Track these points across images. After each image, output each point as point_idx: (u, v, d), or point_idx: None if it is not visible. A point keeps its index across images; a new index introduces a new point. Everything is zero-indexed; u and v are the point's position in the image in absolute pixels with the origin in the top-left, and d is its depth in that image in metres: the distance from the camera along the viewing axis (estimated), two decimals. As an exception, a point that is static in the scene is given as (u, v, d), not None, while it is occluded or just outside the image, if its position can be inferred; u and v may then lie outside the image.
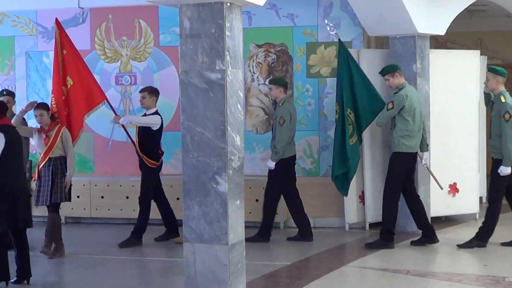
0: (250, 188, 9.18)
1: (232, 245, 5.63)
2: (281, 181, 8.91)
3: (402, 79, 8.70)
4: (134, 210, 9.44)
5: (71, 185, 8.23)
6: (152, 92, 8.97)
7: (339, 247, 8.73)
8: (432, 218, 9.32)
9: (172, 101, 10.29)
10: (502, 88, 8.37)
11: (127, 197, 9.86)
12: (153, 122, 8.82)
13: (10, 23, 10.88)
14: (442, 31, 9.65)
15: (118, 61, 10.58)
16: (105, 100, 8.86)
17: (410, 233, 9.14)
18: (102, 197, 10.01)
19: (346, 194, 9.19)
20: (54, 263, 8.02)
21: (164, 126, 9.06)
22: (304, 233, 8.98)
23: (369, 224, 9.62)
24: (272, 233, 9.01)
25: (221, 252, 5.59)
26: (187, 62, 5.68)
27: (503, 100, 8.26)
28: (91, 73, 8.95)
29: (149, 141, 8.85)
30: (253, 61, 10.16)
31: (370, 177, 9.59)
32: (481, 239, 8.45)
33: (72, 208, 10.16)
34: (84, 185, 10.18)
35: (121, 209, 10.06)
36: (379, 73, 8.89)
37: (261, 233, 8.91)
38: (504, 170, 8.21)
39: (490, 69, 8.55)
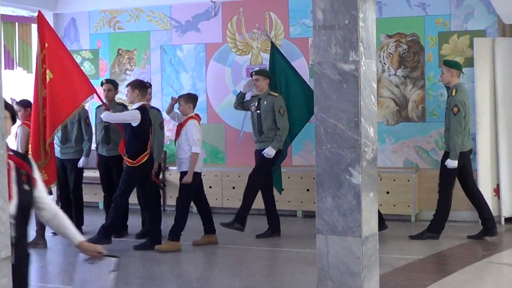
0: (380, 180, 9.05)
1: (366, 237, 5.58)
2: None
3: None
4: (289, 201, 9.59)
5: None
6: (134, 86, 8.42)
7: (474, 242, 8.50)
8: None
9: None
10: (457, 81, 8.43)
11: (283, 189, 9.97)
12: (128, 118, 8.23)
13: (146, 18, 11.24)
14: None
15: (249, 53, 10.71)
16: (94, 94, 8.50)
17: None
18: (234, 187, 10.16)
19: (280, 191, 9.35)
20: (184, 252, 8.23)
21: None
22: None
23: (505, 219, 9.32)
24: (403, 226, 8.88)
25: (354, 245, 5.56)
26: (320, 53, 5.67)
27: (453, 94, 8.30)
28: (78, 67, 8.66)
29: (129, 137, 8.26)
30: (383, 51, 10.04)
31: (506, 170, 9.28)
32: (433, 231, 8.54)
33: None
34: (216, 175, 10.40)
35: (276, 201, 10.09)
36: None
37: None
38: (451, 163, 8.25)
39: (444, 63, 8.63)
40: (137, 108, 8.25)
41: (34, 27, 11.64)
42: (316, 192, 5.72)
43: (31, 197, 3.75)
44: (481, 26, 9.60)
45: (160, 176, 9.91)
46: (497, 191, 9.33)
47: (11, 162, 3.60)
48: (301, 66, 10.33)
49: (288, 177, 9.90)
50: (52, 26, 11.56)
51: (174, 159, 10.95)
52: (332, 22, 5.60)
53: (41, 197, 3.83)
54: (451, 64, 8.53)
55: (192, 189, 8.40)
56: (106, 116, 8.47)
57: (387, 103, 10.03)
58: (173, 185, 10.50)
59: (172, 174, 10.55)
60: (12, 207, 3.54)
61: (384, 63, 10.03)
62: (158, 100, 10.83)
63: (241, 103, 9.18)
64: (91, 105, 10.91)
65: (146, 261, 7.87)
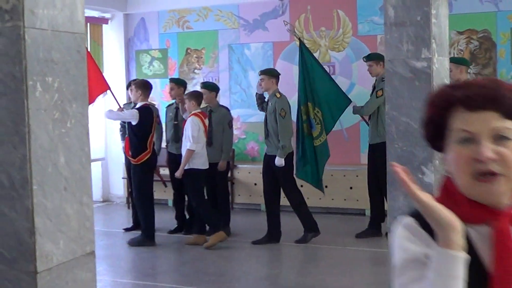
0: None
1: (438, 237, 5.51)
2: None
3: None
4: (357, 200, 9.55)
5: None
6: (138, 85, 8.62)
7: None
8: None
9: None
10: (465, 77, 8.35)
11: (351, 188, 9.93)
12: (127, 117, 8.53)
13: (214, 17, 11.32)
14: None
15: (317, 51, 10.65)
16: (108, 90, 8.71)
17: None
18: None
19: (323, 191, 9.06)
20: (252, 249, 8.27)
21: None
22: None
23: None
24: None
25: (426, 244, 5.49)
26: (392, 51, 5.62)
27: None
28: (95, 63, 8.79)
29: (131, 136, 8.59)
30: (454, 48, 9.88)
31: None
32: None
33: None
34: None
35: (344, 199, 10.09)
36: (363, 57, 9.11)
37: None
38: None
39: (452, 60, 8.35)
40: (137, 108, 8.50)
41: (105, 27, 11.88)
42: (388, 191, 5.67)
43: None
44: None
45: (229, 174, 9.94)
46: None
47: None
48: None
49: (357, 176, 9.84)
50: (122, 26, 11.87)
51: (242, 157, 11.04)
52: (403, 19, 5.55)
53: None
54: (459, 61, 8.47)
55: (195, 186, 8.54)
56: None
57: (457, 101, 9.86)
58: (241, 183, 10.57)
59: (241, 172, 10.60)
60: None
61: (455, 60, 9.87)
62: (226, 99, 10.91)
63: (260, 104, 8.93)
64: (160, 103, 11.07)
65: (216, 258, 7.92)
